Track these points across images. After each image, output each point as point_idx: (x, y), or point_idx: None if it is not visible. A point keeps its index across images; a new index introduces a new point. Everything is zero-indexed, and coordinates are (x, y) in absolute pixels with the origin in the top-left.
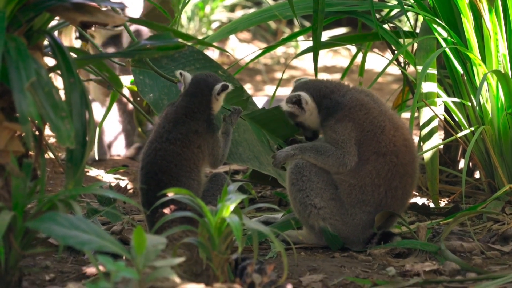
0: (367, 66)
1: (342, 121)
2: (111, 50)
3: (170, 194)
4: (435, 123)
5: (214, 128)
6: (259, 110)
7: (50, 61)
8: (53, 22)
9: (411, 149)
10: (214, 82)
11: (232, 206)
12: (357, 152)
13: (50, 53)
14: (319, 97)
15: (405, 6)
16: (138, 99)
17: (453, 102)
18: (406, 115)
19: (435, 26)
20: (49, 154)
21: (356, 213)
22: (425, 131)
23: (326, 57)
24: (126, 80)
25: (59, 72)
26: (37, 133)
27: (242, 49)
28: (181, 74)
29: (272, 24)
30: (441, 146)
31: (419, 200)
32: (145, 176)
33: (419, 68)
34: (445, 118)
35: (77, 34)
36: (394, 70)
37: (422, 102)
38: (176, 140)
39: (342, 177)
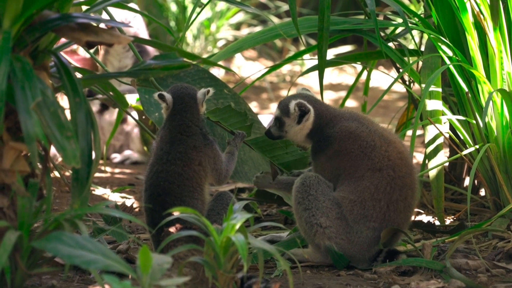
0: (372, 83)
1: (332, 158)
2: None
3: (176, 213)
4: (440, 140)
5: (211, 141)
6: (262, 137)
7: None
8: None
9: (406, 161)
10: (195, 92)
11: (237, 225)
12: (350, 171)
13: (55, 73)
14: (317, 124)
15: (410, 24)
16: (144, 117)
17: (458, 120)
18: (411, 132)
19: (440, 44)
20: (55, 173)
21: (362, 230)
22: (430, 149)
23: (332, 74)
24: (132, 98)
25: (64, 91)
26: (43, 152)
27: (248, 67)
28: (162, 95)
29: (278, 42)
30: (446, 164)
31: (425, 218)
32: (149, 197)
33: (424, 86)
34: (450, 136)
35: None
36: (400, 87)
37: (427, 120)
38: (176, 159)
39: (341, 194)
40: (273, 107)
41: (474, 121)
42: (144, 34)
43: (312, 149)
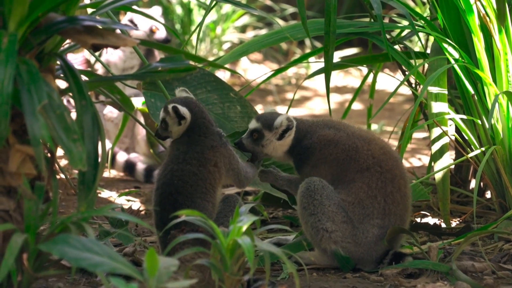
0: (378, 86)
1: (316, 166)
2: None
3: (183, 216)
4: (446, 141)
5: (225, 142)
6: (277, 163)
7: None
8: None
9: (390, 155)
10: (191, 97)
11: (244, 228)
12: (340, 176)
13: (61, 75)
14: (295, 139)
15: (416, 27)
16: (149, 120)
17: (463, 122)
18: (416, 135)
19: (446, 46)
20: (61, 176)
21: (368, 230)
22: (436, 151)
23: (337, 77)
24: (138, 101)
25: (70, 94)
26: (49, 155)
27: (253, 70)
28: (176, 108)
29: (283, 45)
30: (452, 166)
31: (431, 220)
32: (160, 196)
33: (430, 88)
34: (456, 138)
35: None
36: (405, 90)
37: (432, 121)
38: (193, 159)
39: (341, 196)
40: (279, 110)
41: (480, 122)
42: None
43: (295, 163)
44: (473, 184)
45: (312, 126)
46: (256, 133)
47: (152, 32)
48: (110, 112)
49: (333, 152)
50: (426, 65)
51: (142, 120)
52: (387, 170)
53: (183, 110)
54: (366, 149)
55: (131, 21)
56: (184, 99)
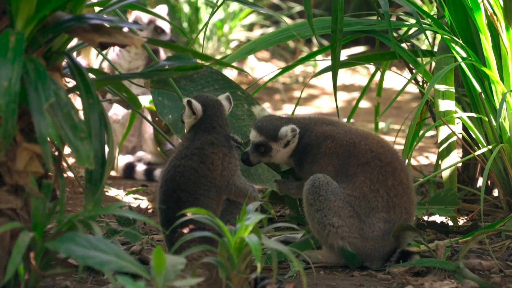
0: (385, 84)
1: (316, 161)
2: None
3: (189, 214)
4: (453, 140)
5: (232, 145)
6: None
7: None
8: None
9: (388, 148)
10: (219, 101)
11: (251, 226)
12: (341, 171)
13: (68, 73)
14: (298, 141)
15: (423, 25)
16: (157, 118)
17: (471, 120)
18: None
19: (453, 44)
20: (68, 174)
21: (374, 223)
22: (443, 149)
23: (345, 75)
24: (145, 100)
25: (78, 92)
26: (56, 153)
27: (260, 68)
28: (190, 102)
29: (291, 43)
30: (459, 164)
31: (438, 219)
32: (164, 193)
33: (438, 86)
34: (463, 136)
35: None
36: (413, 88)
37: (440, 120)
38: (193, 155)
39: (346, 191)
40: (286, 108)
41: (487, 120)
42: None
43: (295, 162)
44: (480, 182)
45: (309, 124)
46: (263, 147)
47: (157, 33)
48: (114, 114)
49: (331, 146)
50: (433, 64)
51: (149, 118)
52: (387, 163)
53: (196, 104)
54: (363, 143)
55: (136, 21)
56: (206, 97)
